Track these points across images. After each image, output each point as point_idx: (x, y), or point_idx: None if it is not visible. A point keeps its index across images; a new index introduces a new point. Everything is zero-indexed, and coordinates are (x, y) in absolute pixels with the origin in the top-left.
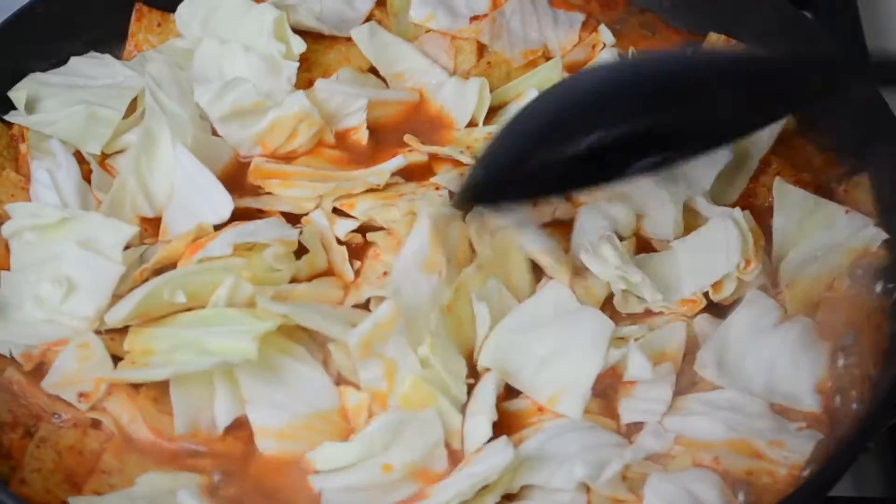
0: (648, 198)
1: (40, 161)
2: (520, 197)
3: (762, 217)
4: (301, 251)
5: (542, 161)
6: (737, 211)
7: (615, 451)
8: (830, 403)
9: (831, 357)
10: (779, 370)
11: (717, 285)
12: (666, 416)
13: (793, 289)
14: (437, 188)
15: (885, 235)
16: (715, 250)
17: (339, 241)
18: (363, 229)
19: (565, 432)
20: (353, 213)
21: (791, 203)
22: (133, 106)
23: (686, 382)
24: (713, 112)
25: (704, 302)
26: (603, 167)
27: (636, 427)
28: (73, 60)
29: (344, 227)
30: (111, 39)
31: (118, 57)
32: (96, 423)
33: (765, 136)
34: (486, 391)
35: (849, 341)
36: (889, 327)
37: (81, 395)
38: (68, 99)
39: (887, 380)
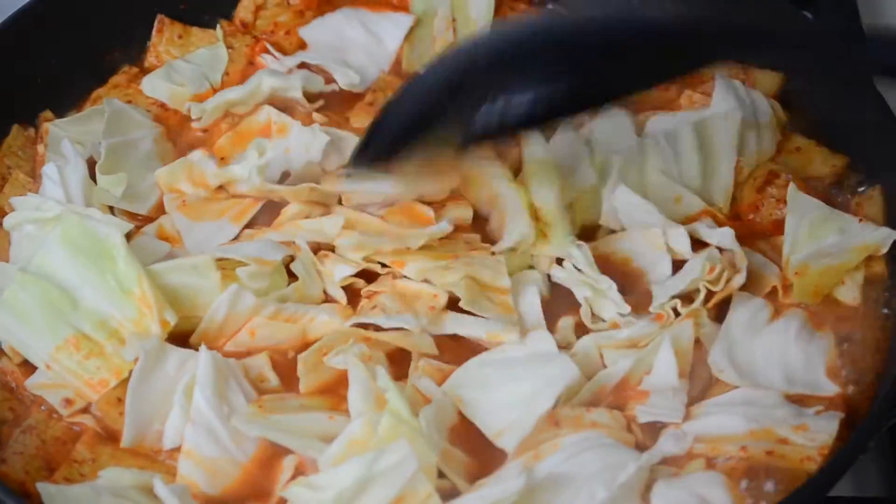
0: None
1: (52, 159)
2: (417, 152)
3: (756, 238)
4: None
5: (448, 114)
6: (727, 234)
7: (637, 468)
8: (844, 384)
9: (835, 343)
10: (791, 362)
11: (685, 300)
12: (683, 423)
13: (803, 276)
14: (493, 253)
15: None
16: (684, 272)
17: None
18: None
19: (584, 451)
20: (405, 272)
21: (804, 209)
22: None
23: (697, 390)
24: (615, 70)
25: (673, 317)
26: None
27: (654, 434)
28: None
29: (341, 272)
30: (117, 42)
31: (137, 64)
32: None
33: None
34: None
35: (849, 334)
36: (890, 329)
37: (67, 400)
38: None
39: (887, 380)
